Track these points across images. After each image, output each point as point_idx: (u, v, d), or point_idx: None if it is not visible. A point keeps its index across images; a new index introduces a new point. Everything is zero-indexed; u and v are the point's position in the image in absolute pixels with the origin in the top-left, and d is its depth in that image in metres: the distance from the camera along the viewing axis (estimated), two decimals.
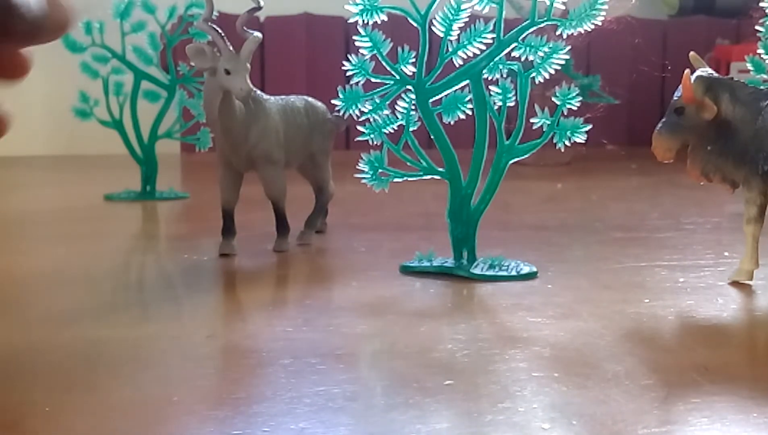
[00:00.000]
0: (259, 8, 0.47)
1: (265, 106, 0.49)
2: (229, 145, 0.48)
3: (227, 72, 0.45)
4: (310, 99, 0.55)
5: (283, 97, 0.52)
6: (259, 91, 0.49)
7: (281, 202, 0.51)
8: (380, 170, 0.45)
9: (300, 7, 1.33)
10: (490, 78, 0.44)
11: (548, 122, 0.44)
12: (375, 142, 0.45)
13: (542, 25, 0.42)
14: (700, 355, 0.32)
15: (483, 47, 0.43)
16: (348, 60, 0.43)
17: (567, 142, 0.44)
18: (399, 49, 0.43)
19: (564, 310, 0.38)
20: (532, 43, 0.43)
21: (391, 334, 0.35)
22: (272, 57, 1.32)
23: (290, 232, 0.52)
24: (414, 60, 0.43)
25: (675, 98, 0.42)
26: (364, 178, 0.45)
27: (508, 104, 0.44)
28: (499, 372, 0.30)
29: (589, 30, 0.42)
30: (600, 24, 0.42)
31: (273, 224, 0.58)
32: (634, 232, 0.61)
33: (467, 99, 0.44)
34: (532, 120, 0.44)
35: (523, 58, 0.43)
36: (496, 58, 0.43)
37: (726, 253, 0.52)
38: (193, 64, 0.46)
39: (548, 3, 0.42)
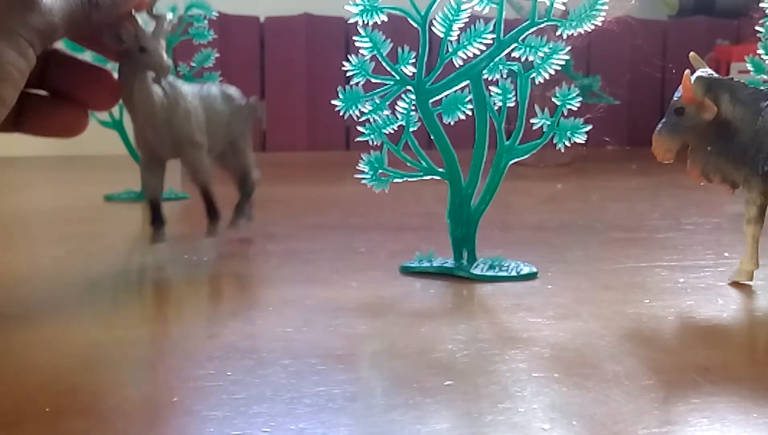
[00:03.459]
0: None
1: (181, 90, 0.48)
2: (152, 130, 0.47)
3: (143, 50, 0.44)
4: (223, 85, 0.54)
5: (196, 83, 0.52)
6: (171, 77, 0.48)
7: (209, 186, 0.51)
8: (380, 171, 0.45)
9: (300, 7, 1.33)
10: (490, 78, 0.44)
11: (548, 123, 0.44)
12: (375, 143, 0.45)
13: (542, 25, 0.42)
14: (700, 356, 0.32)
15: (483, 48, 0.43)
16: (348, 60, 0.43)
17: (567, 143, 0.44)
18: (399, 49, 0.43)
19: (564, 311, 0.39)
20: (532, 44, 0.43)
21: (391, 334, 0.35)
22: (272, 57, 1.32)
23: (221, 217, 0.52)
24: (414, 60, 0.43)
25: (675, 99, 0.42)
26: (364, 178, 0.45)
27: (508, 105, 0.44)
28: (499, 372, 0.30)
29: (589, 30, 0.42)
30: (600, 24, 0.42)
31: (272, 225, 0.58)
32: (634, 232, 0.61)
33: (467, 99, 0.44)
34: (532, 120, 0.44)
35: (523, 59, 0.43)
36: (496, 59, 0.43)
37: (726, 254, 0.52)
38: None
39: (548, 3, 0.42)
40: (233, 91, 0.54)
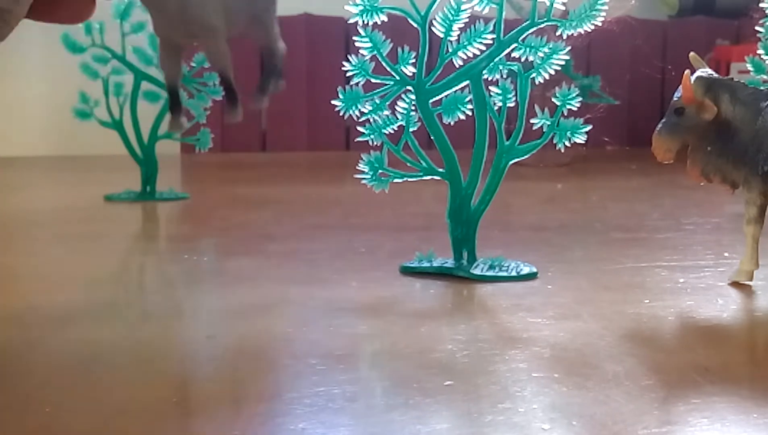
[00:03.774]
0: None
1: None
2: (163, 18, 0.46)
3: None
4: None
5: None
6: None
7: (228, 71, 0.49)
8: (380, 171, 0.45)
9: (300, 8, 1.33)
10: (490, 78, 0.44)
11: (548, 123, 0.44)
12: (375, 143, 0.45)
13: (542, 25, 0.42)
14: (700, 356, 0.32)
15: (483, 48, 0.43)
16: (348, 60, 0.43)
17: (567, 143, 0.44)
18: (399, 49, 0.43)
19: (564, 311, 0.39)
20: (532, 44, 0.43)
21: (391, 334, 0.35)
22: None
23: (238, 101, 0.51)
24: (414, 60, 0.43)
25: (675, 99, 0.42)
26: (364, 178, 0.45)
27: (508, 105, 0.44)
28: (499, 372, 0.30)
29: (589, 30, 0.42)
30: (600, 24, 0.42)
31: (272, 224, 0.58)
32: (634, 232, 0.61)
33: (467, 99, 0.44)
34: (532, 120, 0.44)
35: (523, 59, 0.43)
36: (496, 59, 0.43)
37: (726, 254, 0.52)
38: None
39: (548, 4, 0.42)
40: None
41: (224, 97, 0.51)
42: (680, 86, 0.41)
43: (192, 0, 0.47)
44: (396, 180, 0.46)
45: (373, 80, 0.44)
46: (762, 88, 0.42)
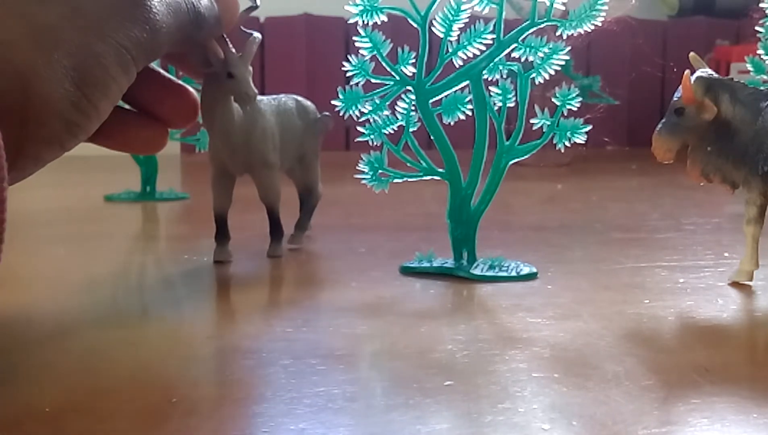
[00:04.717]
0: (256, 7, 0.45)
1: (260, 109, 0.48)
2: (228, 150, 0.47)
3: (230, 76, 0.44)
4: (299, 98, 0.54)
5: (274, 97, 0.51)
6: None
7: (276, 207, 0.51)
8: (380, 171, 0.45)
9: (300, 8, 1.33)
10: (490, 79, 0.44)
11: (548, 123, 0.44)
12: (375, 143, 0.45)
13: (542, 25, 0.42)
14: (700, 356, 0.32)
15: (483, 48, 0.43)
16: (348, 60, 0.43)
17: (567, 143, 0.44)
18: (399, 49, 0.43)
19: (564, 311, 0.39)
20: (532, 44, 0.43)
21: (391, 334, 0.35)
22: (272, 57, 1.32)
23: (284, 236, 0.52)
24: (414, 60, 0.43)
25: (675, 99, 0.42)
26: (363, 178, 0.45)
27: (508, 105, 0.44)
28: (499, 373, 0.30)
29: (589, 31, 0.42)
30: (600, 24, 0.42)
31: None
32: (634, 232, 0.61)
33: (467, 100, 0.44)
34: (532, 121, 0.44)
35: (523, 59, 0.43)
36: (496, 59, 0.43)
37: (726, 254, 0.52)
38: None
39: (548, 3, 0.42)
40: (309, 104, 0.54)
41: (270, 231, 0.51)
42: (680, 86, 0.41)
43: (256, 134, 0.47)
44: (396, 180, 0.46)
45: (373, 80, 0.44)
46: (762, 88, 0.42)
